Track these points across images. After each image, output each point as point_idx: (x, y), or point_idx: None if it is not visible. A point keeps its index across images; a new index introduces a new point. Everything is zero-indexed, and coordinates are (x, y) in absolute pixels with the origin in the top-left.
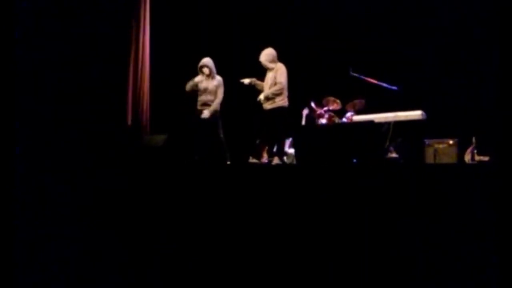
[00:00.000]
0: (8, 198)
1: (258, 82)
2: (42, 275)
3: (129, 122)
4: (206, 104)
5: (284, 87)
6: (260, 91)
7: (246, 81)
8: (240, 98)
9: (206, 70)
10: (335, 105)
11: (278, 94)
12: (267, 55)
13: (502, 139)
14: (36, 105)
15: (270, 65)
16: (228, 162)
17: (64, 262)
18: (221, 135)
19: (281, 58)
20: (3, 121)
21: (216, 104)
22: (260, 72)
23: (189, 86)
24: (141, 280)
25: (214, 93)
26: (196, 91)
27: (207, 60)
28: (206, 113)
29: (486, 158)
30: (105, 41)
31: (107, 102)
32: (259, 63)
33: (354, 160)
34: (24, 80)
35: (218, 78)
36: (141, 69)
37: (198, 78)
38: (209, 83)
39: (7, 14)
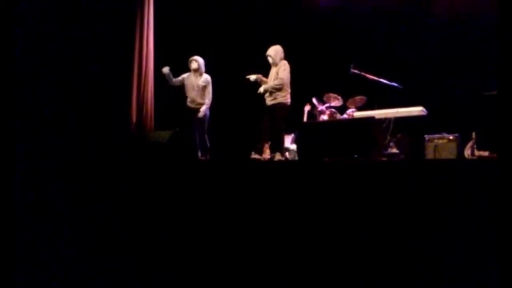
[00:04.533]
0: (8, 198)
1: (264, 79)
2: (42, 275)
3: (134, 119)
4: (194, 101)
5: (284, 83)
6: None
7: (252, 77)
8: (242, 95)
9: (194, 64)
10: (336, 102)
11: (278, 89)
12: (274, 51)
13: (502, 135)
14: (36, 105)
15: (275, 61)
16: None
17: (64, 262)
18: (205, 134)
19: (284, 55)
20: (3, 121)
21: (208, 104)
22: (263, 69)
23: (176, 81)
24: (142, 280)
25: (201, 90)
26: (181, 87)
27: (197, 56)
28: (201, 113)
29: (486, 154)
30: (108, 40)
31: (110, 100)
32: (264, 59)
33: (355, 156)
34: (24, 80)
35: (206, 76)
36: (145, 66)
37: (185, 74)
38: (196, 80)
39: (7, 14)
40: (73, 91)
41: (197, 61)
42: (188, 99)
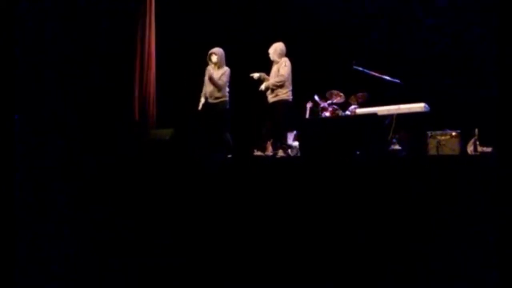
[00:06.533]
0: (8, 198)
1: (267, 77)
2: (42, 275)
3: (136, 118)
4: (212, 96)
5: (285, 80)
6: None
7: (256, 75)
8: (246, 92)
9: (214, 58)
10: (339, 98)
11: (279, 86)
12: (275, 48)
13: (503, 131)
14: (36, 105)
15: (277, 59)
16: (229, 156)
17: (64, 262)
18: (226, 131)
19: (286, 51)
20: (3, 121)
21: (217, 93)
22: (266, 67)
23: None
24: (142, 280)
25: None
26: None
27: (217, 49)
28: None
29: (488, 149)
30: (109, 39)
31: (111, 100)
32: (267, 55)
33: (357, 152)
34: (24, 80)
35: (225, 68)
36: (147, 64)
37: (207, 70)
38: (214, 73)
39: (7, 14)
40: (74, 91)
41: (217, 54)
42: (207, 94)
